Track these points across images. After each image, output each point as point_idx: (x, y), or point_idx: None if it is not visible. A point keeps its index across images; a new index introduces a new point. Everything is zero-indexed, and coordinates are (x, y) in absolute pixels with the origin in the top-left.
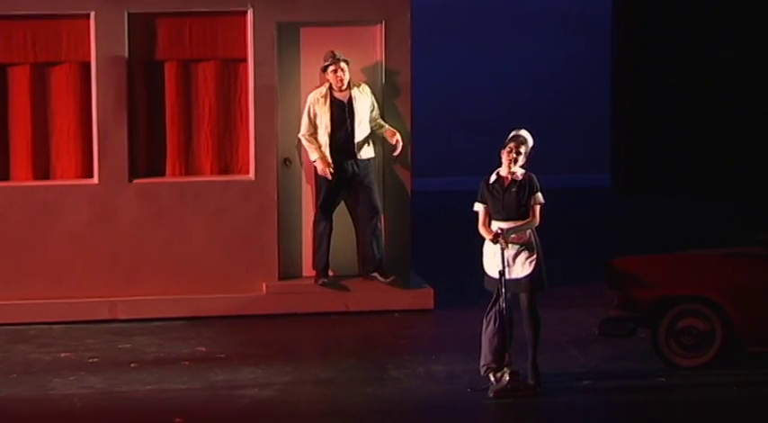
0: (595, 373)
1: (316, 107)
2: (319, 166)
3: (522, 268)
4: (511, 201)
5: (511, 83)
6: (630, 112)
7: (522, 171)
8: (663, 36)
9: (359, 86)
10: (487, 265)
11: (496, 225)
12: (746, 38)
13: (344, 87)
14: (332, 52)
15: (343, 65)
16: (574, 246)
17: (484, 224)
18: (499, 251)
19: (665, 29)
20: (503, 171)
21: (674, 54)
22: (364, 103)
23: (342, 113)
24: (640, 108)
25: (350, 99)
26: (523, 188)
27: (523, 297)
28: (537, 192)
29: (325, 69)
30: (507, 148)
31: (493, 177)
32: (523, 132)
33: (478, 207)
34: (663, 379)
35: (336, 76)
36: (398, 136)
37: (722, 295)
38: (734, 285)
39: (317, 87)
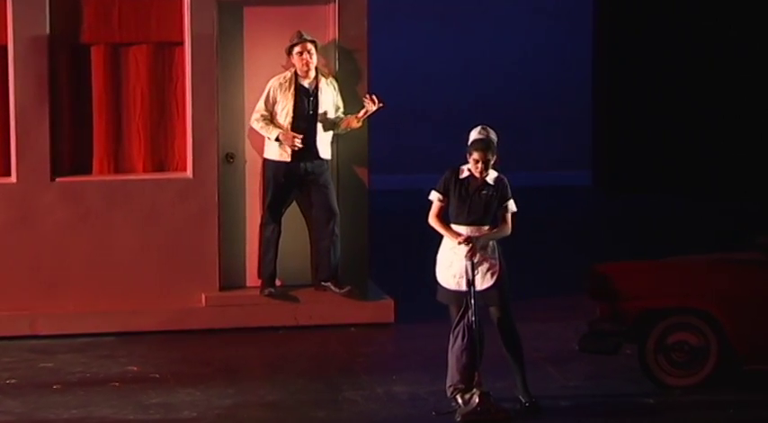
0: (575, 394)
1: (278, 93)
2: (287, 141)
3: (482, 280)
4: (479, 204)
5: (480, 71)
6: (614, 103)
7: (495, 174)
8: (650, 20)
9: (327, 78)
10: (442, 274)
11: (458, 229)
12: (739, 31)
13: (311, 72)
14: (298, 32)
15: (309, 46)
16: (551, 250)
17: (438, 217)
18: (462, 259)
19: (653, 12)
20: (476, 171)
21: (663, 39)
22: (330, 96)
23: (306, 102)
24: (625, 99)
25: (316, 87)
26: (495, 193)
27: (495, 311)
28: (509, 199)
29: (289, 51)
30: (473, 160)
31: (464, 173)
32: (486, 133)
33: (434, 196)
34: (651, 400)
35: (302, 59)
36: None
37: (717, 307)
38: (730, 295)
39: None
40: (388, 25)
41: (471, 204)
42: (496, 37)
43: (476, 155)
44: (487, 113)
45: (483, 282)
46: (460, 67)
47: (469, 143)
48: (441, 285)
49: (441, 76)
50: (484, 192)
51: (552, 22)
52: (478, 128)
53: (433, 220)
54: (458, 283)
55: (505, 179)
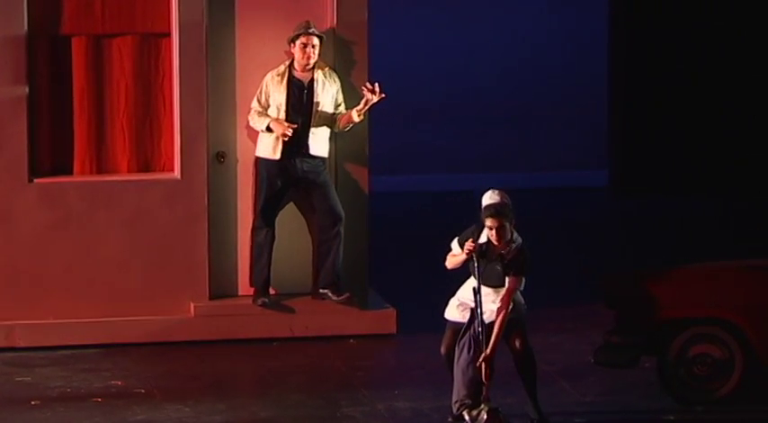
0: (590, 411)
1: (270, 87)
2: (277, 130)
3: (491, 314)
4: (493, 273)
5: (488, 63)
6: (631, 98)
7: (515, 245)
8: (671, 8)
9: (324, 70)
10: (450, 308)
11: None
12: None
13: (309, 67)
14: (307, 22)
15: (315, 41)
16: (564, 256)
17: (453, 255)
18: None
19: (673, 4)
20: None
21: (685, 29)
22: (328, 90)
23: (299, 96)
24: (643, 94)
25: (311, 81)
26: (507, 270)
27: (511, 336)
28: (515, 274)
29: (293, 40)
30: (487, 226)
31: (483, 238)
32: (498, 197)
33: (455, 247)
34: (671, 417)
35: (305, 52)
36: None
37: (742, 316)
38: (757, 305)
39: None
40: (388, 14)
41: (485, 272)
42: (504, 24)
43: (488, 222)
44: (495, 108)
45: (492, 315)
46: (466, 57)
47: (482, 208)
48: (446, 317)
49: (445, 70)
50: (498, 267)
51: (564, 4)
52: (489, 192)
53: (448, 262)
54: (462, 315)
55: (523, 252)
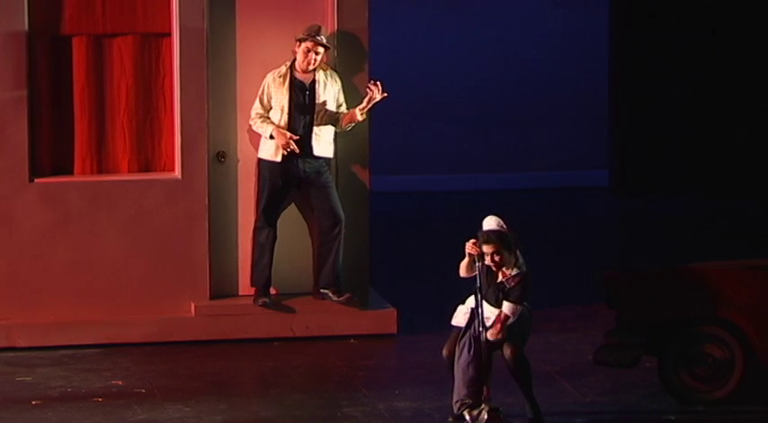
0: (591, 411)
1: (272, 88)
2: (280, 140)
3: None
4: (493, 295)
5: (489, 62)
6: (632, 98)
7: (517, 272)
8: (671, 9)
9: (326, 71)
10: (457, 314)
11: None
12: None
13: (310, 70)
14: (318, 28)
15: (320, 49)
16: (565, 256)
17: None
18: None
19: (674, 3)
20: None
21: (686, 29)
22: (330, 91)
23: (302, 97)
24: (645, 93)
25: (313, 82)
26: (507, 295)
27: (504, 347)
28: (516, 304)
29: (299, 42)
30: (484, 252)
31: (488, 260)
32: (494, 225)
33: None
34: (672, 417)
35: (307, 57)
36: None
37: (743, 316)
38: (756, 305)
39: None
40: (389, 14)
41: (487, 291)
42: (506, 23)
43: (484, 248)
44: (496, 108)
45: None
46: (467, 57)
47: (478, 236)
48: (452, 324)
49: (446, 69)
50: (496, 291)
51: (567, 4)
52: (488, 218)
53: (460, 270)
54: (465, 316)
55: (523, 280)
